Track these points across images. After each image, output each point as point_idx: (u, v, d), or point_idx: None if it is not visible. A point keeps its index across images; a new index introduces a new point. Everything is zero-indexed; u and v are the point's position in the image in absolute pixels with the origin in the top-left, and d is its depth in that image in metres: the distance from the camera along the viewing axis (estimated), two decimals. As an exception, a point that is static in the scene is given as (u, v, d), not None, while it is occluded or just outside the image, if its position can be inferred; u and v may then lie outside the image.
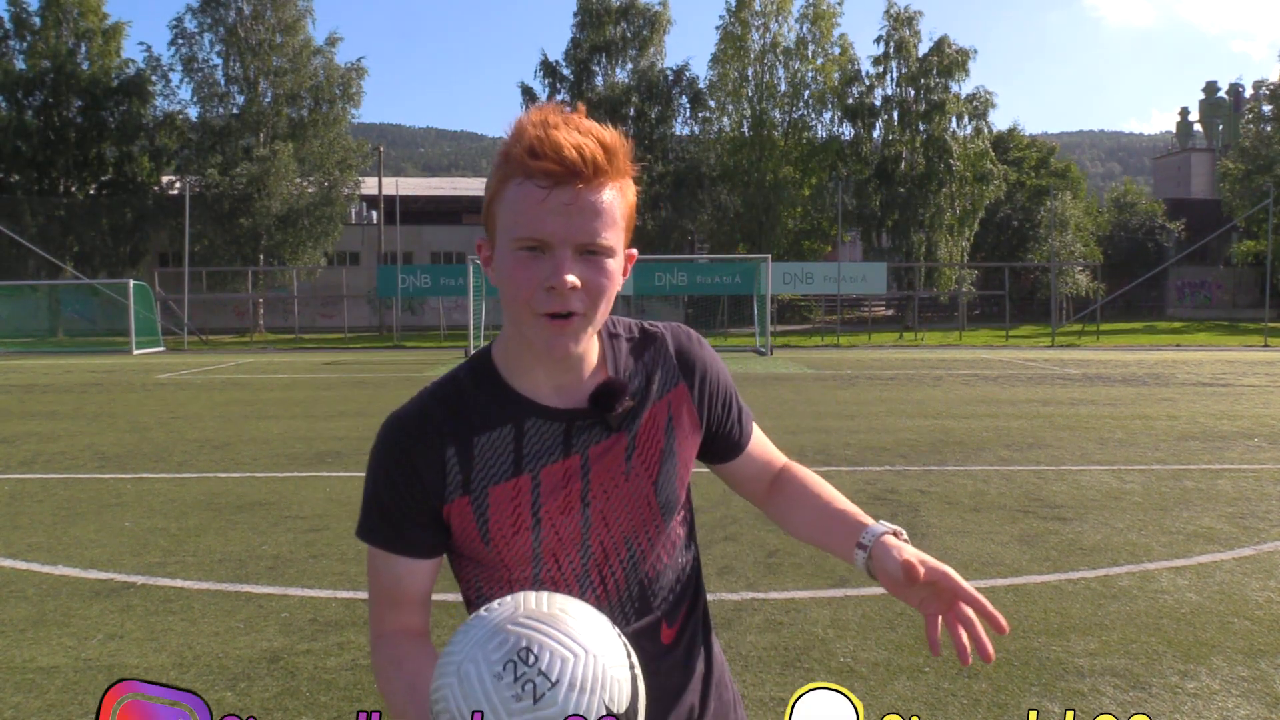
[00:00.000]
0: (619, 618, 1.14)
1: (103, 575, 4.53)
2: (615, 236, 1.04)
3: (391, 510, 1.11)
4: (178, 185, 36.24)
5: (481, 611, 0.93)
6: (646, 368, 1.18)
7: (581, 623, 0.91)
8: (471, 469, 1.09)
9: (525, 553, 1.11)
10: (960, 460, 7.62)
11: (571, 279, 1.00)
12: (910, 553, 1.04)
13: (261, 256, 35.77)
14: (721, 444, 1.27)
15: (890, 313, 41.75)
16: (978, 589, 1.02)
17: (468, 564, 1.17)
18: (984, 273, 37.60)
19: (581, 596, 1.11)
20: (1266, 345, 26.40)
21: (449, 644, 0.91)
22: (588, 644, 0.88)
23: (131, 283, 26.43)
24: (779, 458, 1.33)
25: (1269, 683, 3.24)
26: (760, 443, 1.32)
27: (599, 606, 1.10)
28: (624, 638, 0.93)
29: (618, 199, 1.04)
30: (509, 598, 0.93)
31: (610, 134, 1.03)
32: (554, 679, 0.85)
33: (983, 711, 3.04)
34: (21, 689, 3.24)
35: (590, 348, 1.14)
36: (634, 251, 1.13)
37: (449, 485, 1.10)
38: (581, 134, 1.00)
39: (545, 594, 0.95)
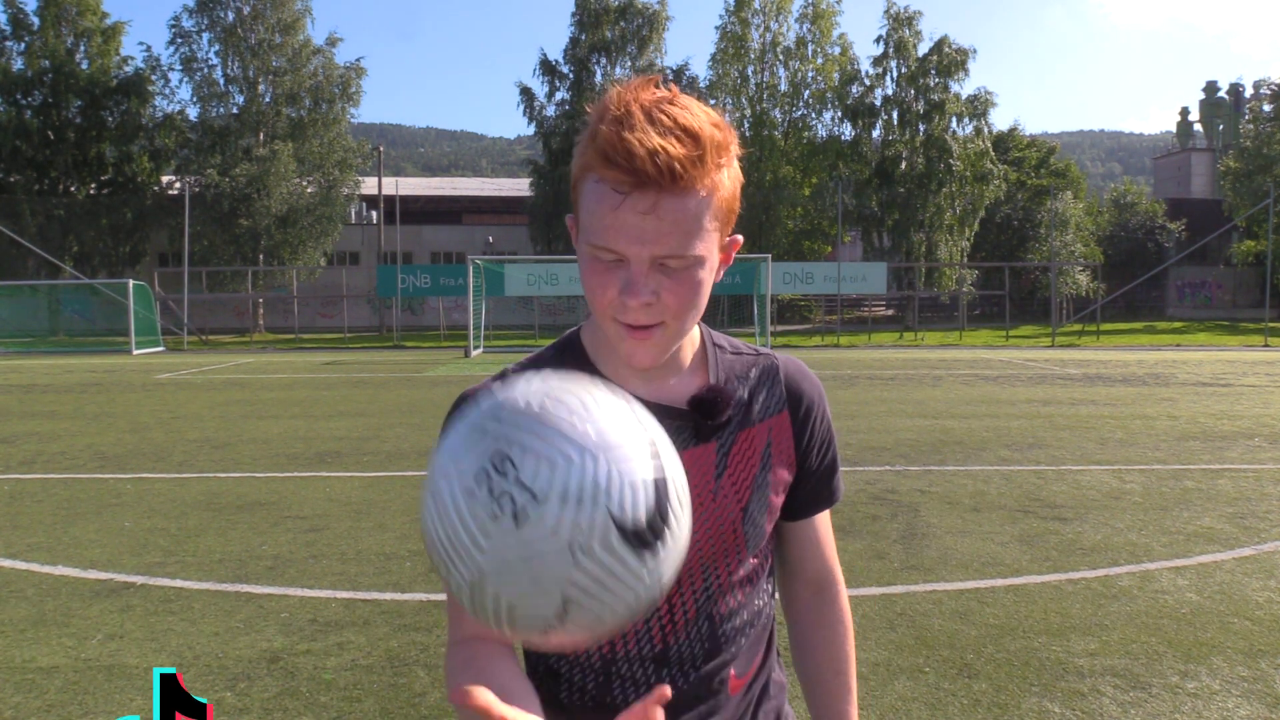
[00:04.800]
0: (685, 656, 1.06)
1: (103, 575, 4.53)
2: (705, 243, 0.92)
3: None
4: (177, 185, 36.28)
5: (469, 402, 0.78)
6: (750, 386, 1.09)
7: (579, 414, 0.72)
8: None
9: None
10: (960, 460, 7.62)
11: (647, 297, 0.90)
12: None
13: (261, 256, 35.79)
14: (793, 496, 1.13)
15: (890, 313, 41.75)
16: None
17: None
18: (984, 273, 37.60)
19: (647, 623, 1.04)
20: (1267, 345, 26.39)
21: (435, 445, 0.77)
22: (585, 441, 0.70)
23: (131, 283, 26.43)
24: (834, 566, 1.19)
25: (1269, 683, 3.23)
26: (823, 529, 1.18)
27: (664, 639, 1.04)
28: (649, 422, 0.76)
29: (708, 199, 0.91)
30: (502, 381, 0.76)
31: (702, 124, 0.88)
32: (539, 492, 0.68)
33: (983, 711, 3.04)
34: (21, 689, 3.24)
35: (686, 345, 1.07)
36: (738, 238, 1.01)
37: None
38: (661, 133, 0.86)
39: (541, 375, 0.78)
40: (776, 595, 1.19)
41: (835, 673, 1.16)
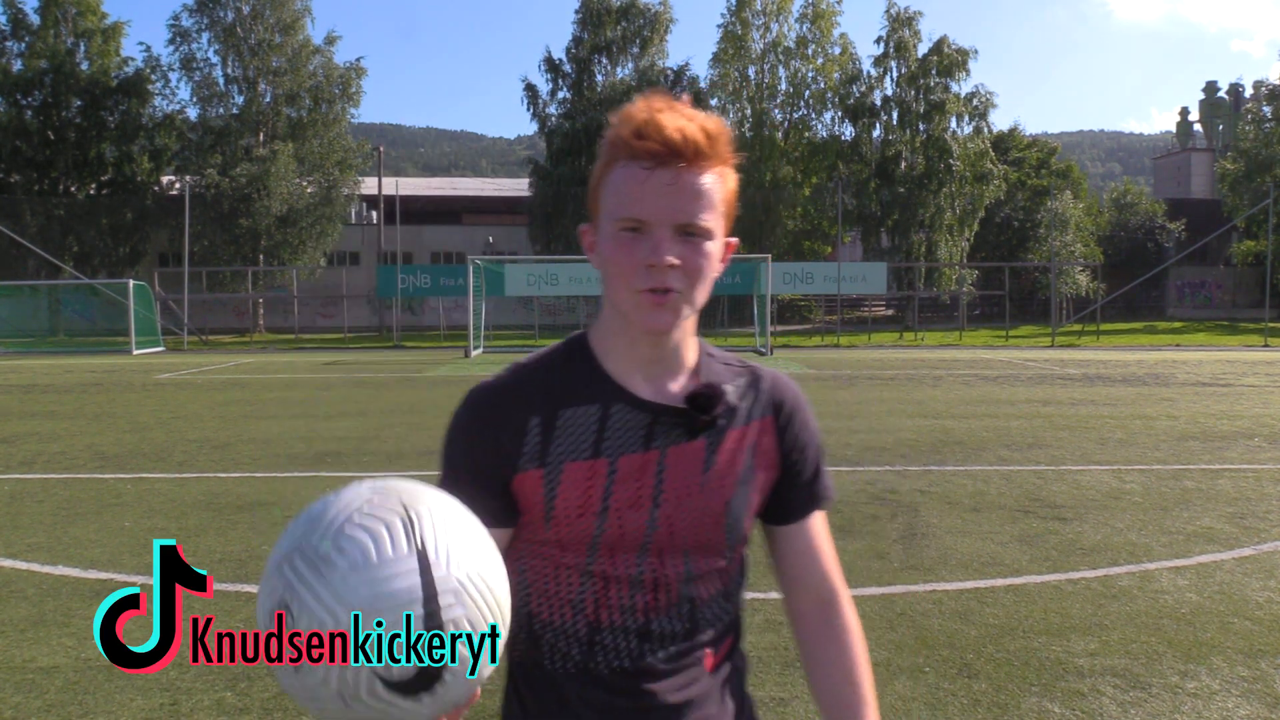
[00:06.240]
0: (666, 632, 1.13)
1: (103, 575, 4.53)
2: (714, 220, 1.07)
3: (463, 478, 1.09)
4: (177, 185, 36.25)
5: (302, 512, 0.82)
6: (739, 389, 1.17)
7: (359, 563, 0.75)
8: (551, 441, 1.09)
9: (585, 539, 1.10)
10: (960, 460, 7.62)
11: (670, 258, 1.03)
12: None
13: (261, 256, 35.77)
14: (782, 499, 1.21)
15: (890, 313, 41.74)
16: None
17: (516, 546, 1.14)
18: (984, 273, 37.59)
19: (632, 600, 1.11)
20: (1266, 345, 26.40)
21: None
22: (355, 599, 0.74)
23: (131, 283, 26.42)
24: (836, 576, 1.26)
25: (1269, 683, 3.24)
26: (820, 536, 1.24)
27: (647, 615, 1.11)
28: (447, 559, 0.79)
29: (718, 184, 1.07)
30: (335, 496, 0.80)
31: (714, 121, 1.06)
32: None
33: (983, 711, 3.04)
34: (21, 689, 3.24)
35: (687, 349, 1.15)
36: (734, 240, 1.14)
37: (525, 454, 1.09)
38: (686, 118, 1.04)
39: (364, 491, 0.81)
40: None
41: (846, 680, 1.21)
